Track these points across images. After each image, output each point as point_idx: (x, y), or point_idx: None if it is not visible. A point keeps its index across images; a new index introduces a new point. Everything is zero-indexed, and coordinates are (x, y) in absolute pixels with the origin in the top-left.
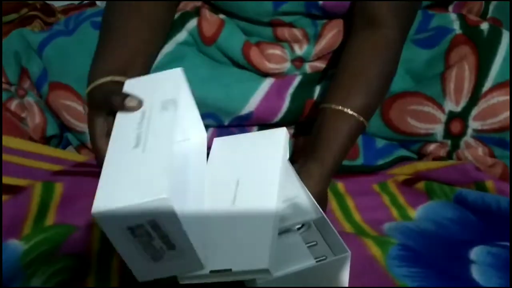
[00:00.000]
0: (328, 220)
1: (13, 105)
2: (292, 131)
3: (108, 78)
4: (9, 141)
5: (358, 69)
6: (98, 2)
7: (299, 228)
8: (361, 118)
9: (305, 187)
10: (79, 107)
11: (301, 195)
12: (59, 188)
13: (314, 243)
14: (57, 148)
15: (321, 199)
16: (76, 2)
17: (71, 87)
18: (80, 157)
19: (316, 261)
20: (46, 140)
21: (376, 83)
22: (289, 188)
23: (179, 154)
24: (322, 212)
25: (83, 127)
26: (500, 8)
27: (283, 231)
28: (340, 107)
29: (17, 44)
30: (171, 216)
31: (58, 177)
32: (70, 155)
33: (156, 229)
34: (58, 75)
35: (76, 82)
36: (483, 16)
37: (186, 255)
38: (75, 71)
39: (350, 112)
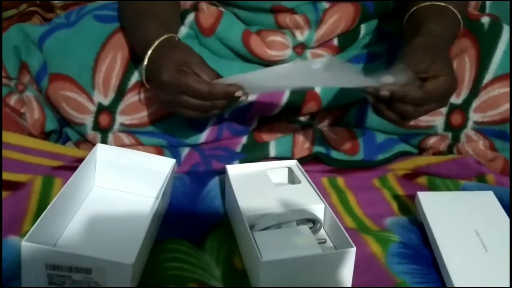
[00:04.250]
0: (334, 216)
1: (13, 100)
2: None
3: (164, 36)
4: (8, 136)
5: None
6: None
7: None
8: (456, 12)
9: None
10: (79, 98)
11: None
12: (58, 183)
13: (324, 240)
14: (56, 143)
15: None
16: None
17: (71, 78)
18: (80, 152)
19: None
20: (45, 135)
21: None
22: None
23: None
24: (331, 210)
25: (82, 118)
26: (497, 5)
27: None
28: (430, 3)
29: (16, 38)
30: None
31: (58, 172)
32: (69, 150)
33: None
34: (58, 66)
35: (77, 73)
36: (480, 11)
37: None
38: (76, 62)
39: (443, 4)
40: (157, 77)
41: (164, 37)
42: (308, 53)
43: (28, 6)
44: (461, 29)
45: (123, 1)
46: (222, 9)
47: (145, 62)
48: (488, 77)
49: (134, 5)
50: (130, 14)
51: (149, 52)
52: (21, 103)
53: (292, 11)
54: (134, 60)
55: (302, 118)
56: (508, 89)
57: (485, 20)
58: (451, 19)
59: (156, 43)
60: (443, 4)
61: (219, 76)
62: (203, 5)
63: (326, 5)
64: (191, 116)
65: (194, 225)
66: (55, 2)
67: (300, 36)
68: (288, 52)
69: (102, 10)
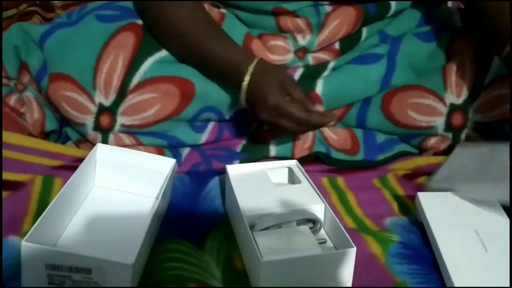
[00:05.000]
0: (334, 215)
1: (12, 100)
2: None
3: (256, 59)
4: (8, 136)
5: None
6: None
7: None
8: None
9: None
10: (80, 98)
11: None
12: (58, 183)
13: (324, 240)
14: (56, 143)
15: None
16: None
17: (72, 77)
18: (80, 152)
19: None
20: (45, 135)
21: None
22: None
23: None
24: (331, 210)
25: (83, 118)
26: None
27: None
28: None
29: (16, 37)
30: None
31: (58, 172)
32: (69, 150)
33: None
34: (59, 66)
35: (78, 73)
36: None
37: None
38: (77, 61)
39: None
40: (262, 100)
41: (256, 60)
42: (309, 56)
43: (28, 6)
44: None
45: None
46: (224, 10)
47: (246, 85)
48: (488, 77)
49: (189, 16)
50: (190, 28)
51: (248, 76)
52: (21, 103)
53: (293, 14)
54: (135, 61)
55: None
56: (508, 90)
57: None
58: None
59: (253, 68)
60: None
61: (304, 92)
62: (206, 7)
63: (328, 8)
64: (284, 133)
65: (194, 225)
66: (55, 2)
67: (302, 40)
68: (290, 56)
69: (103, 10)
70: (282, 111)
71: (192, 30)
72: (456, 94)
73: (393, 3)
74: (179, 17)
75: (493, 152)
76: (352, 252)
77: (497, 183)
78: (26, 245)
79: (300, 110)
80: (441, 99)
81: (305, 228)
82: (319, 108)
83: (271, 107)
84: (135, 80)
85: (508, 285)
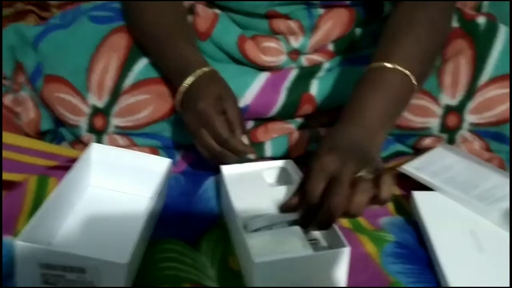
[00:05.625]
0: None
1: (8, 99)
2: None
3: (208, 68)
4: (4, 136)
5: (405, 26)
6: None
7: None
8: (407, 72)
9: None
10: (74, 100)
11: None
12: (53, 183)
13: (316, 240)
14: (51, 143)
15: (362, 158)
16: None
17: (66, 79)
18: (74, 152)
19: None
20: (40, 135)
21: (425, 40)
22: None
23: None
24: None
25: (77, 120)
26: (494, 4)
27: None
28: (380, 63)
29: (12, 38)
30: None
31: (53, 172)
32: (64, 150)
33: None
34: (53, 68)
35: (72, 75)
36: (477, 11)
37: None
38: (71, 63)
39: (391, 66)
40: (191, 103)
41: (207, 68)
42: (303, 58)
43: (24, 5)
44: (414, 90)
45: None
46: (218, 11)
47: (185, 87)
48: (484, 78)
49: (157, 19)
50: (156, 31)
51: (191, 80)
52: (16, 103)
53: (286, 17)
54: (128, 62)
55: (298, 119)
56: (504, 91)
57: (481, 20)
58: (394, 94)
59: (199, 72)
60: (393, 67)
61: (240, 116)
62: (199, 8)
63: (320, 11)
64: (200, 150)
65: (189, 225)
66: (50, 1)
67: (295, 43)
68: (283, 58)
69: (97, 11)
70: (205, 120)
71: (157, 29)
72: (452, 95)
73: (385, 4)
74: (148, 17)
75: (478, 173)
76: (345, 251)
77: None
78: (20, 244)
79: (224, 126)
80: (436, 100)
81: (296, 228)
82: (245, 141)
83: (197, 112)
84: (128, 82)
85: (508, 285)
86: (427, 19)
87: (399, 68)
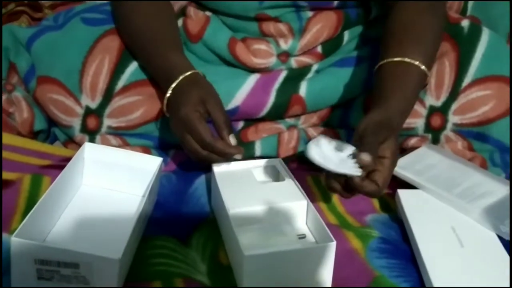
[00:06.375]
0: (316, 211)
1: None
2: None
3: (190, 72)
4: None
5: (409, 24)
6: None
7: None
8: (422, 67)
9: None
10: (67, 101)
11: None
12: (47, 181)
13: (304, 235)
14: (44, 143)
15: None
16: None
17: (59, 80)
18: (68, 152)
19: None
20: (34, 135)
21: (429, 33)
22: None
23: None
24: (313, 207)
25: (70, 121)
26: (479, 7)
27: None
28: (400, 59)
29: (5, 39)
30: None
31: (46, 171)
32: (57, 150)
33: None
34: (46, 69)
35: (65, 76)
36: (462, 14)
37: None
38: (63, 65)
39: (409, 61)
40: (175, 109)
41: (189, 72)
42: (292, 60)
43: (16, 6)
44: (428, 78)
45: (123, 17)
46: (209, 13)
47: (169, 93)
48: (467, 80)
49: (144, 23)
50: (143, 35)
51: (173, 86)
52: (10, 103)
53: (276, 19)
54: (121, 65)
55: (287, 119)
56: (485, 92)
57: (465, 23)
58: (415, 83)
59: (181, 77)
60: (410, 61)
61: (226, 118)
62: (191, 10)
63: (309, 14)
64: (188, 154)
65: (180, 222)
66: (43, 1)
67: (284, 45)
68: (273, 60)
69: (89, 13)
70: (188, 126)
71: (144, 34)
72: (436, 97)
73: (373, 6)
74: (135, 21)
75: (461, 172)
76: (332, 246)
77: (459, 200)
78: (15, 240)
79: (206, 131)
80: (421, 101)
81: (285, 224)
82: (232, 141)
83: (180, 118)
84: (120, 83)
85: (508, 285)
86: (430, 21)
87: (415, 63)
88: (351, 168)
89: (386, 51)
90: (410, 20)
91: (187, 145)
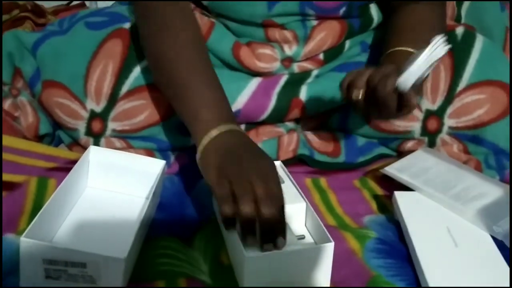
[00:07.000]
0: (315, 213)
1: (7, 104)
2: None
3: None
4: (4, 139)
5: (416, 23)
6: (87, 3)
7: None
8: None
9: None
10: (72, 105)
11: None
12: (53, 184)
13: (303, 236)
14: (49, 146)
15: None
16: (65, 3)
17: (64, 85)
18: (73, 154)
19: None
20: (39, 138)
21: (436, 32)
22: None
23: None
24: (312, 208)
25: (75, 124)
26: (472, 14)
27: None
28: (407, 48)
29: (10, 44)
30: None
31: (52, 174)
32: (62, 152)
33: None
34: (51, 73)
35: (69, 81)
36: (456, 22)
37: None
38: (68, 70)
39: (412, 50)
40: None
41: (226, 129)
42: (295, 66)
43: (20, 12)
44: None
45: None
46: (213, 19)
47: (200, 154)
48: (462, 85)
49: (175, 54)
50: (175, 72)
51: (204, 142)
52: (15, 107)
53: (282, 26)
54: (125, 70)
55: (287, 123)
56: (480, 96)
57: (459, 30)
58: None
59: (215, 134)
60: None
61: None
62: (196, 15)
63: (314, 22)
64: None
65: (183, 223)
66: (46, 7)
67: (289, 51)
68: (277, 64)
69: (93, 17)
70: (269, 176)
71: (180, 64)
72: (432, 101)
73: (375, 17)
74: (174, 45)
75: (456, 174)
76: (330, 246)
77: (455, 201)
78: (24, 241)
79: (229, 205)
80: (417, 106)
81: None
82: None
83: (254, 167)
84: (124, 88)
85: (508, 285)
86: (431, 19)
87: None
88: (438, 52)
89: (393, 43)
90: (418, 20)
91: (244, 195)
